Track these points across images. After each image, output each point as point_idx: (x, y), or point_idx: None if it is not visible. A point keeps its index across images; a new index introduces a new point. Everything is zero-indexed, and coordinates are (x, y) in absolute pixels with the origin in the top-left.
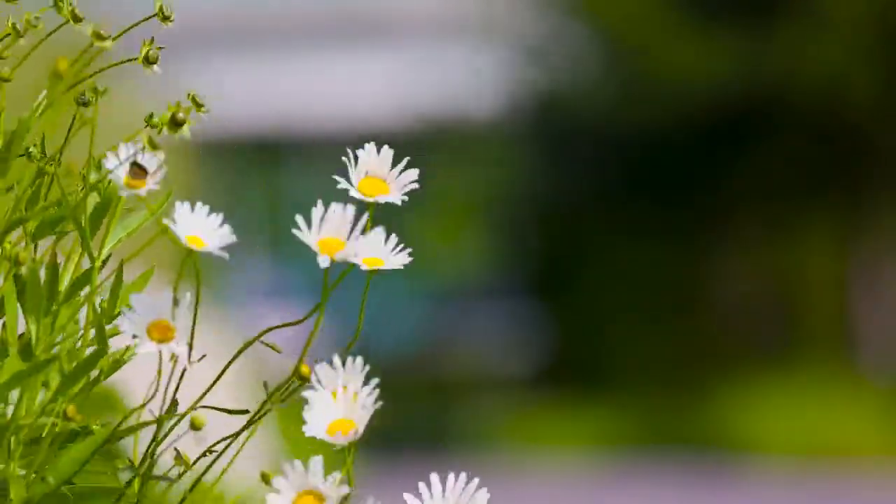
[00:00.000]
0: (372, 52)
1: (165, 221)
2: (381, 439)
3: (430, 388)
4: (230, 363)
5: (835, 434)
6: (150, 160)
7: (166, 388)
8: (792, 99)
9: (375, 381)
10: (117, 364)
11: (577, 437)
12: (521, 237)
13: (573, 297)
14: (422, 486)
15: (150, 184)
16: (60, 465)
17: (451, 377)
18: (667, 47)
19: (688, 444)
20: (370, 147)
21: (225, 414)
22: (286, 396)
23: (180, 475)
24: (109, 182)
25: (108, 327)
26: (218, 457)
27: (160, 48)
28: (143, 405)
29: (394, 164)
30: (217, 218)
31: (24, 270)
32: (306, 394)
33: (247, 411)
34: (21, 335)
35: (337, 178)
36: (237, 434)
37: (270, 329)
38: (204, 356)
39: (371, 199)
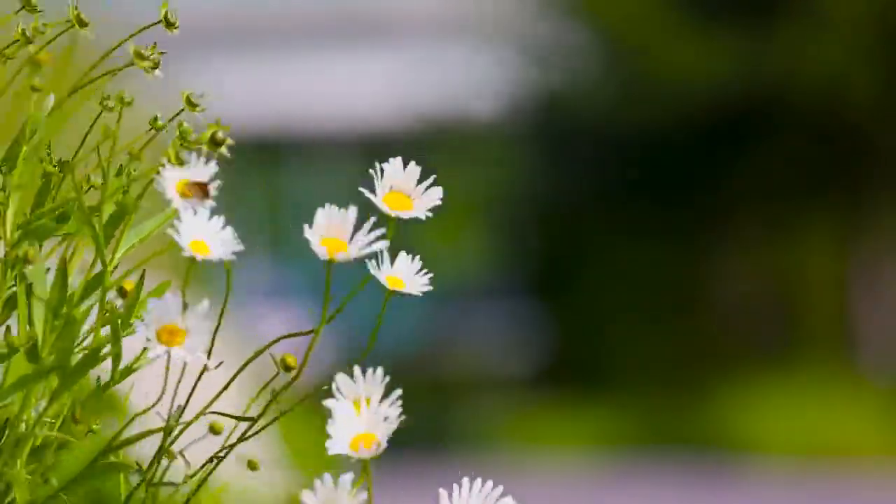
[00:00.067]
0: (372, 52)
1: (169, 231)
2: None
3: (430, 388)
4: (239, 372)
5: (835, 434)
6: (203, 171)
7: (174, 392)
8: (792, 99)
9: (398, 392)
10: (130, 369)
11: (577, 437)
12: (521, 237)
13: (573, 297)
14: (443, 491)
15: (212, 193)
16: (63, 467)
17: (451, 377)
18: (667, 47)
19: (688, 444)
20: (396, 161)
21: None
22: (293, 406)
23: (185, 480)
24: (126, 190)
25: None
26: (220, 462)
27: (162, 53)
28: (148, 409)
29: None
30: (219, 221)
31: (29, 270)
32: (328, 403)
33: (255, 419)
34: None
35: (363, 189)
36: (244, 438)
37: (281, 338)
38: (221, 363)
39: (394, 214)
